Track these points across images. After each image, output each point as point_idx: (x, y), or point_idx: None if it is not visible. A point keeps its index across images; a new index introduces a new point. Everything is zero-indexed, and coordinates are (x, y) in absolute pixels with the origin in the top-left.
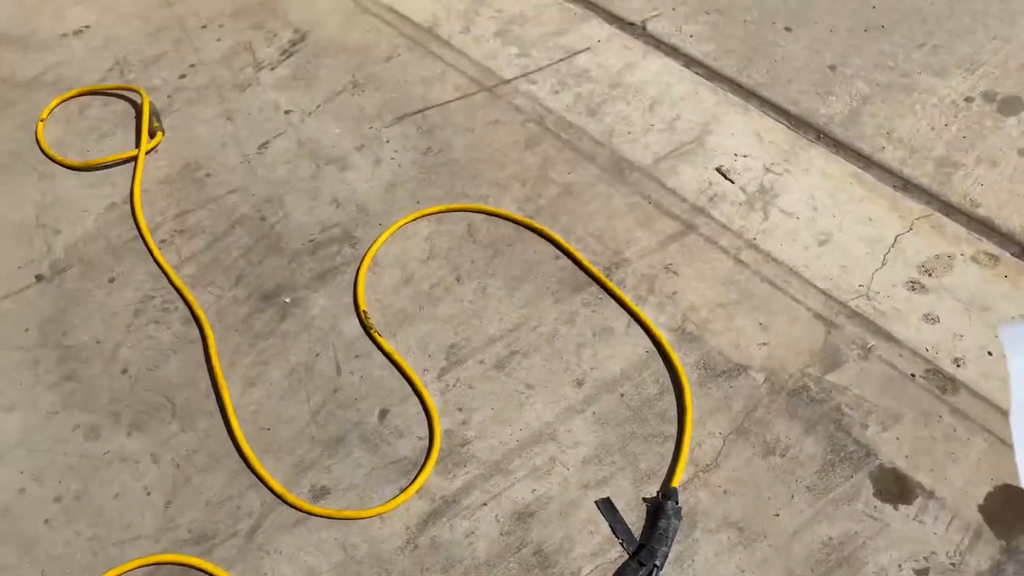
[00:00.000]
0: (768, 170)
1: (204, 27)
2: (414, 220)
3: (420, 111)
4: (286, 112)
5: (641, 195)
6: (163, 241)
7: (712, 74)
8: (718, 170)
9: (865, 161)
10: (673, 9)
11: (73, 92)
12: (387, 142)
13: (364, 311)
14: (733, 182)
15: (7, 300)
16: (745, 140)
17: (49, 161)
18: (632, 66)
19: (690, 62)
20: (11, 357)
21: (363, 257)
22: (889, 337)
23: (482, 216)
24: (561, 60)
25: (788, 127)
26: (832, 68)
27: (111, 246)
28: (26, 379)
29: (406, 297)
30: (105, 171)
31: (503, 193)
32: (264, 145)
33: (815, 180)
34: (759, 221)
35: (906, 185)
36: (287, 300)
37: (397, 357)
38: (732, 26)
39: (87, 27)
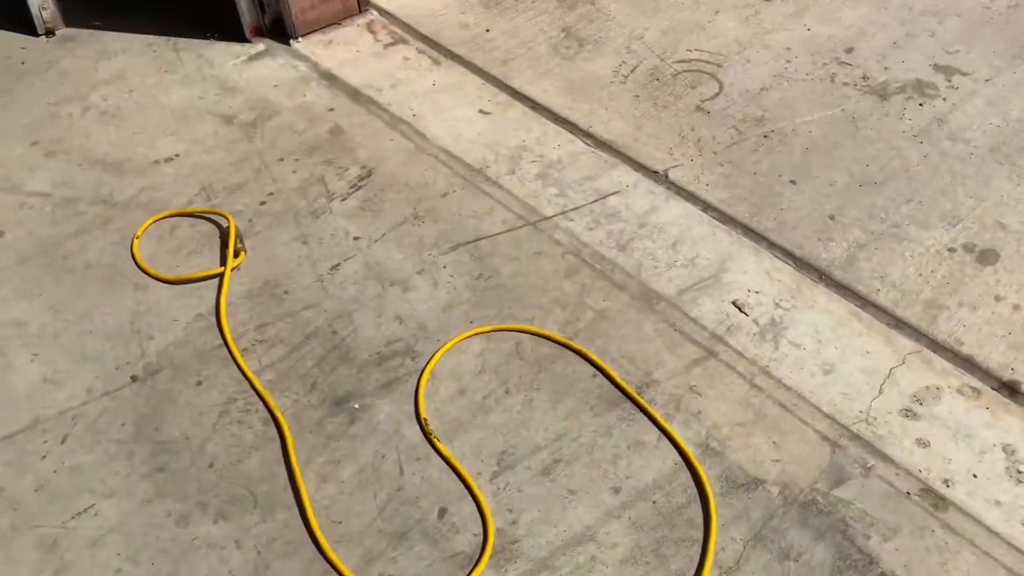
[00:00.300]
0: (777, 305)
1: (281, 160)
2: (468, 337)
3: (472, 241)
4: (355, 238)
5: (667, 323)
6: (245, 349)
7: (727, 219)
8: (734, 303)
9: (862, 301)
10: (691, 160)
11: (166, 213)
12: (444, 267)
13: (424, 418)
14: (747, 315)
15: (106, 397)
16: (757, 278)
17: (143, 274)
18: (656, 209)
19: (707, 207)
20: (108, 449)
21: (423, 369)
22: (887, 458)
23: (528, 336)
24: (595, 201)
25: (794, 268)
26: (831, 217)
27: (198, 352)
28: (122, 469)
29: (461, 406)
30: (193, 285)
31: (546, 316)
32: (335, 267)
33: (819, 316)
34: (771, 350)
35: (898, 324)
36: (356, 406)
37: (454, 461)
38: (743, 177)
39: (176, 156)
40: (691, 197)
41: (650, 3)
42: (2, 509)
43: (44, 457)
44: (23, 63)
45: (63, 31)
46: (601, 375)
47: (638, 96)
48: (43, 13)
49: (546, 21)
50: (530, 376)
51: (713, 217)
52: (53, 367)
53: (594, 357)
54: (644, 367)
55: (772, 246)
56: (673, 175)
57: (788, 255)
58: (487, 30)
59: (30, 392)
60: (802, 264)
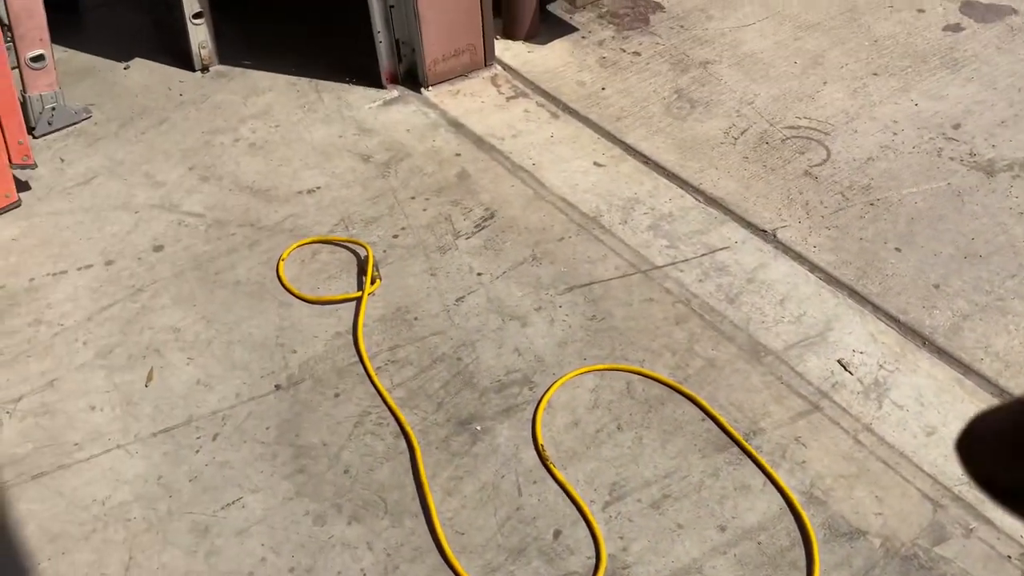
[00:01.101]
0: (881, 367)
1: (413, 198)
2: (582, 373)
3: (587, 284)
4: (478, 274)
5: (774, 375)
6: (379, 368)
7: (833, 280)
8: (839, 362)
9: (965, 369)
10: (799, 222)
11: (310, 239)
12: (560, 307)
13: (541, 444)
14: (852, 374)
15: (253, 402)
16: (862, 339)
17: (287, 293)
18: (765, 266)
19: (814, 268)
20: (254, 449)
21: (540, 399)
22: (988, 521)
23: (639, 377)
24: (704, 254)
25: (898, 332)
26: (936, 286)
27: (336, 367)
28: (266, 469)
29: (575, 437)
30: (333, 306)
31: (656, 359)
32: (460, 299)
33: (922, 380)
34: (874, 409)
35: (1001, 393)
36: (478, 428)
37: (569, 487)
38: (849, 242)
39: (318, 188)
40: (798, 257)
41: (760, 71)
42: (161, 494)
43: (197, 451)
44: (181, 95)
45: (217, 68)
46: (709, 420)
47: (747, 158)
48: (202, 51)
49: (659, 82)
50: (640, 415)
51: (820, 278)
52: (206, 371)
53: (703, 402)
54: (751, 415)
55: (877, 310)
56: (781, 235)
57: (892, 319)
58: (603, 88)
59: (186, 392)
60: (906, 329)
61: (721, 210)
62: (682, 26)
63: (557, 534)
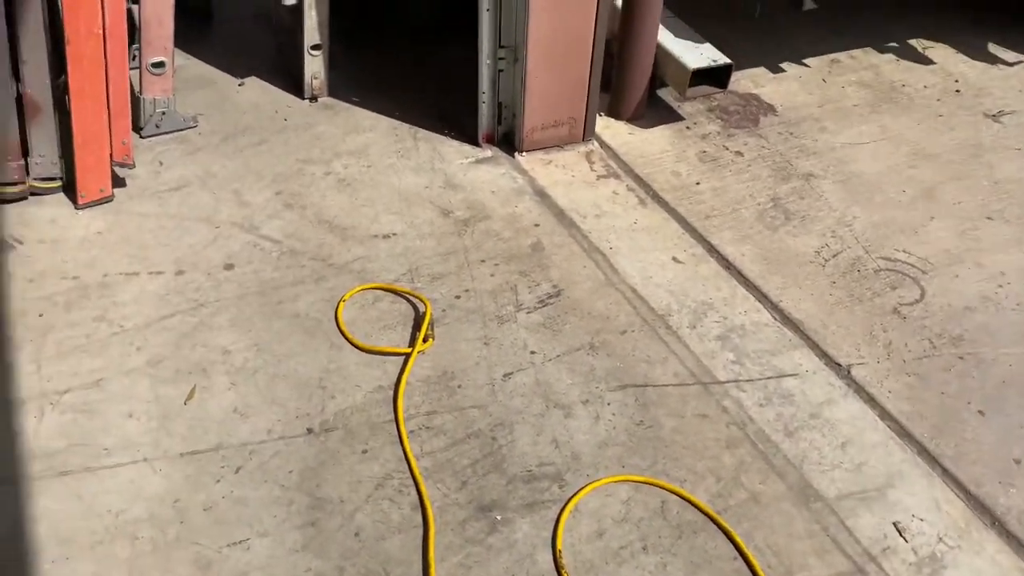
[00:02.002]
0: (941, 540)
1: (483, 261)
2: (617, 482)
3: (641, 385)
4: (531, 352)
5: (821, 525)
6: (412, 431)
7: (904, 433)
8: (895, 525)
9: None
10: (878, 362)
11: (374, 285)
12: (608, 404)
13: (560, 550)
14: (907, 541)
15: (282, 441)
16: (925, 504)
17: (341, 336)
18: (832, 403)
19: (885, 415)
20: (272, 491)
21: (568, 500)
22: None
23: (677, 498)
24: (770, 378)
25: (967, 505)
26: (1017, 462)
27: (370, 422)
28: (280, 513)
29: (596, 549)
30: (381, 357)
31: (698, 482)
32: (508, 375)
33: (984, 564)
34: None
35: None
36: (498, 517)
37: None
38: (929, 394)
39: (394, 234)
40: (870, 400)
41: (865, 193)
42: (172, 517)
43: (218, 481)
44: (286, 120)
45: (325, 99)
46: (742, 559)
47: (835, 283)
48: (313, 81)
49: (757, 187)
50: (670, 540)
51: (889, 427)
52: (245, 400)
53: (739, 540)
54: (788, 564)
55: (947, 475)
56: (856, 372)
57: (963, 489)
58: (697, 183)
59: (221, 418)
60: (976, 503)
61: (797, 333)
62: (792, 133)
63: None
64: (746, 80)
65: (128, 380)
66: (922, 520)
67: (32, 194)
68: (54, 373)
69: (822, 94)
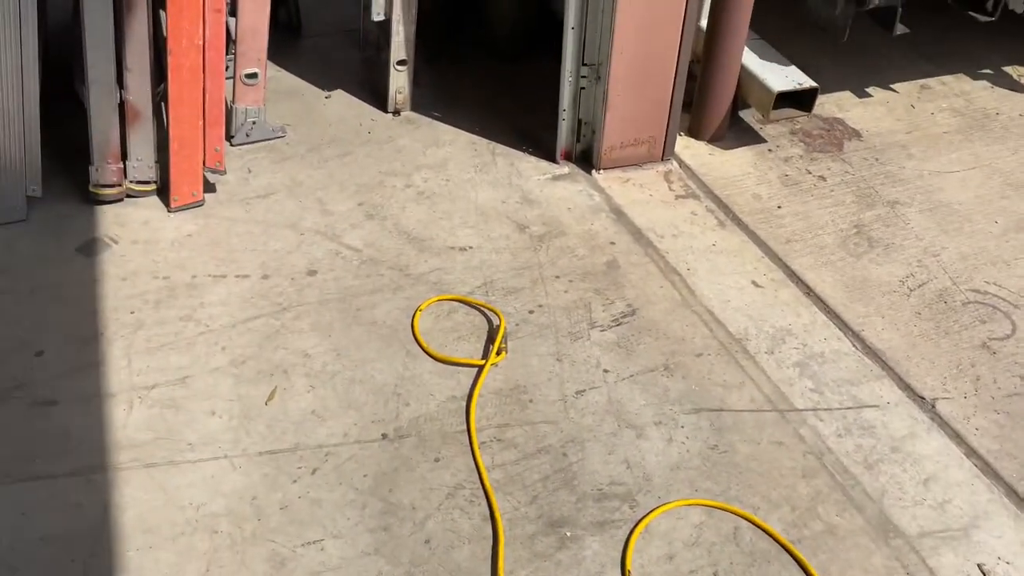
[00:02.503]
0: None
1: (557, 278)
2: (690, 505)
3: (716, 410)
4: (604, 371)
5: (900, 562)
6: (483, 443)
7: (991, 472)
8: (979, 567)
9: None
10: (964, 397)
11: (451, 296)
12: (682, 427)
13: (629, 571)
14: None
15: (357, 445)
16: (1011, 547)
17: (416, 344)
18: (915, 437)
19: (971, 453)
20: (346, 494)
21: (639, 521)
22: None
23: (750, 524)
24: (850, 408)
25: None
26: None
27: (443, 431)
28: (353, 516)
29: (666, 572)
30: (455, 368)
31: (772, 510)
32: (580, 392)
33: None
34: None
35: None
36: (568, 534)
37: None
38: (1019, 433)
39: (470, 247)
40: (955, 436)
41: (954, 223)
42: (251, 514)
43: (295, 481)
44: (369, 132)
45: (407, 113)
46: None
47: (920, 314)
48: (397, 96)
49: (840, 213)
50: (742, 567)
51: (975, 464)
52: (323, 403)
53: (813, 572)
54: None
55: None
56: (941, 407)
57: None
58: (779, 206)
59: (300, 419)
60: None
61: (879, 364)
62: (877, 159)
63: None
64: (831, 104)
65: (212, 378)
66: (1008, 563)
67: (128, 196)
68: (143, 368)
69: (910, 120)
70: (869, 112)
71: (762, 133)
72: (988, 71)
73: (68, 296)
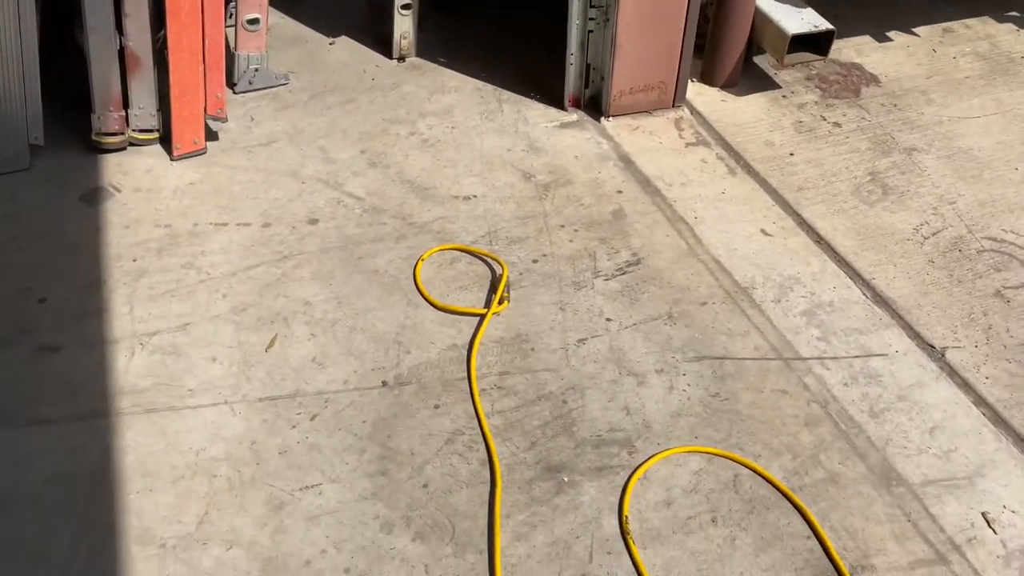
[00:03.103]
0: None
1: (562, 227)
2: (689, 452)
3: (719, 358)
4: (607, 319)
5: (902, 510)
6: (483, 390)
7: (999, 420)
8: (984, 515)
9: None
10: (975, 346)
11: (453, 246)
12: (683, 375)
13: (626, 516)
14: (995, 532)
15: (357, 392)
16: (1018, 496)
17: (418, 294)
18: (923, 385)
19: (980, 401)
20: (345, 440)
21: (637, 467)
22: None
23: (750, 472)
24: (857, 356)
25: None
26: None
27: (443, 378)
28: (352, 461)
29: (663, 518)
30: (456, 316)
31: (773, 458)
32: (582, 340)
33: None
34: None
35: None
36: (565, 479)
37: (643, 570)
38: None
39: (474, 196)
40: (964, 385)
41: (972, 170)
42: (250, 459)
43: (294, 427)
44: (373, 79)
45: (412, 59)
46: (815, 539)
47: (933, 262)
48: (402, 41)
49: (854, 160)
50: (740, 514)
51: (983, 413)
52: (323, 351)
53: (814, 518)
54: (864, 547)
55: None
56: (951, 356)
57: None
58: (791, 153)
59: (300, 366)
60: None
61: (889, 312)
62: (895, 105)
63: None
64: (849, 48)
65: (213, 326)
66: (1014, 512)
67: (131, 144)
68: (145, 315)
69: (931, 65)
70: (889, 57)
71: (776, 79)
72: (1015, 13)
73: (71, 244)
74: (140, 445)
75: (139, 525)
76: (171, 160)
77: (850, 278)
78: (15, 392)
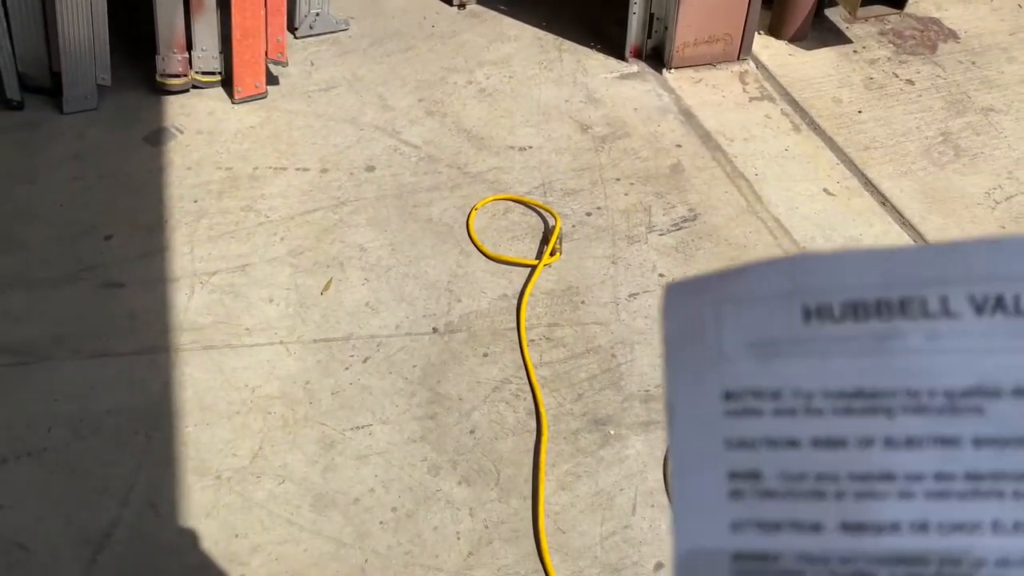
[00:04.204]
0: None
1: (618, 180)
2: None
3: None
4: (660, 275)
5: None
6: (532, 340)
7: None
8: None
9: None
10: None
11: (508, 196)
12: None
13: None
14: None
15: (408, 337)
16: None
17: (470, 243)
18: None
19: None
20: (396, 383)
21: None
22: None
23: None
24: None
25: None
26: None
27: (493, 328)
28: (401, 404)
29: None
30: (508, 267)
31: None
32: (633, 295)
33: None
34: None
35: None
36: (611, 432)
37: None
38: None
39: (530, 147)
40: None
41: None
42: (302, 398)
43: (347, 368)
44: (433, 27)
45: (472, 7)
46: None
47: (1004, 228)
48: None
49: (926, 119)
50: None
51: None
52: (376, 296)
53: None
54: None
55: None
56: None
57: None
58: (859, 111)
59: (354, 310)
60: None
61: None
62: (974, 63)
63: (658, 567)
64: (927, 2)
65: (270, 268)
66: None
67: (194, 87)
68: (205, 256)
69: (1016, 21)
70: (970, 11)
71: (848, 33)
72: None
73: (135, 184)
74: (198, 380)
75: (196, 457)
76: (232, 103)
77: (915, 242)
78: (80, 326)
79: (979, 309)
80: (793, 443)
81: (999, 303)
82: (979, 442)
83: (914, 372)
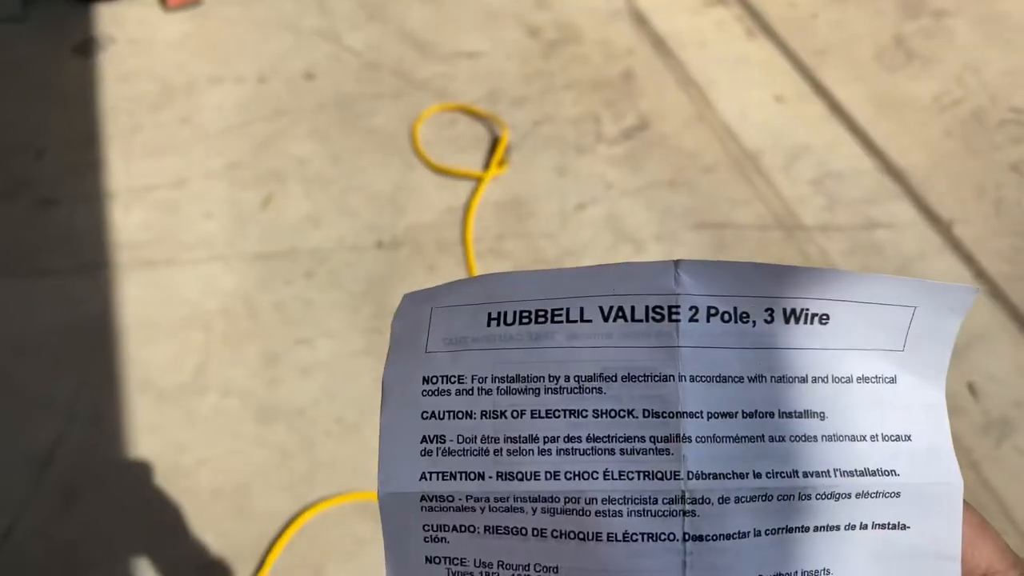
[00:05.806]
0: (1017, 406)
1: (568, 87)
2: None
3: (720, 225)
4: (608, 185)
5: None
6: (479, 254)
7: (999, 294)
8: (968, 385)
9: None
10: (984, 220)
11: (453, 105)
12: (682, 243)
13: None
14: (978, 403)
15: (352, 252)
16: (1005, 368)
17: (414, 154)
18: (924, 257)
19: (981, 275)
20: (339, 297)
21: None
22: None
23: None
24: (861, 227)
25: None
26: None
27: (438, 241)
28: (345, 318)
29: None
30: (453, 179)
31: None
32: (581, 206)
33: None
34: (990, 447)
35: None
36: None
37: None
38: None
39: (477, 53)
40: (967, 258)
41: (1005, 36)
42: (244, 313)
43: (289, 283)
44: None
45: None
46: None
47: (950, 133)
48: None
49: (880, 23)
50: None
51: (983, 287)
52: (318, 209)
53: None
54: None
55: None
56: (958, 229)
57: None
58: (814, 15)
59: (295, 224)
60: None
61: (899, 184)
62: None
63: None
64: None
65: (208, 183)
66: (998, 383)
67: None
68: (140, 171)
69: None
70: None
71: None
72: None
73: (66, 97)
74: (138, 297)
75: (139, 374)
76: (165, 11)
77: (863, 147)
78: (17, 244)
79: (605, 317)
80: (468, 415)
81: (620, 312)
82: (598, 413)
83: (557, 362)
